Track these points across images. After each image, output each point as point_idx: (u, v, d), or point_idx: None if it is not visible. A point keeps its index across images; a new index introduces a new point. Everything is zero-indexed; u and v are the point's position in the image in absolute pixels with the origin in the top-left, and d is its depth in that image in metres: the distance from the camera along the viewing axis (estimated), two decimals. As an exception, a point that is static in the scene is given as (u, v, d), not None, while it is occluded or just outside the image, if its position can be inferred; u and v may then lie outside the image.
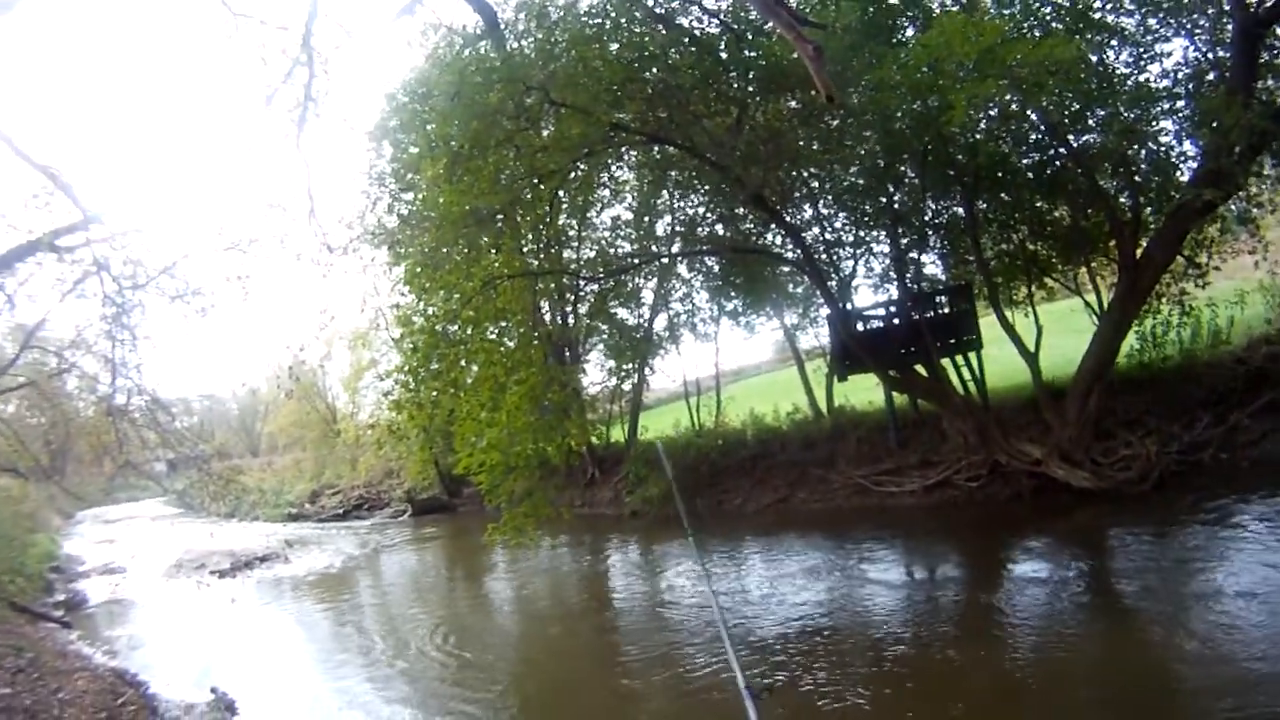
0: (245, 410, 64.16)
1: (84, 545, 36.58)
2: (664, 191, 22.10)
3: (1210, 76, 14.50)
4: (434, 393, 14.96)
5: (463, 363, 15.05)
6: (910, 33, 15.41)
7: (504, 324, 15.24)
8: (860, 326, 19.04)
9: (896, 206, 18.38)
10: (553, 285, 20.16)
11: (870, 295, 21.51)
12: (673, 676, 10.95)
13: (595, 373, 28.52)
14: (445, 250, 14.68)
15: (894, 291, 19.77)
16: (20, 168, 16.16)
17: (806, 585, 14.16)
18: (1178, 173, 15.09)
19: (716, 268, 23.59)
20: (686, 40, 15.64)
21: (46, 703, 10.93)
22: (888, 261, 20.03)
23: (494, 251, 14.64)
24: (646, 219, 23.34)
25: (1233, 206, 15.97)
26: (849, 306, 19.66)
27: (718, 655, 10.88)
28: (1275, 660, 8.01)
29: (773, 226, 20.08)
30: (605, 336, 27.92)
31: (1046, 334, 17.52)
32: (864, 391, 21.58)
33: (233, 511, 41.54)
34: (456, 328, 14.89)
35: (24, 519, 31.96)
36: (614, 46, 14.86)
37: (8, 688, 11.14)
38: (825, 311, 20.22)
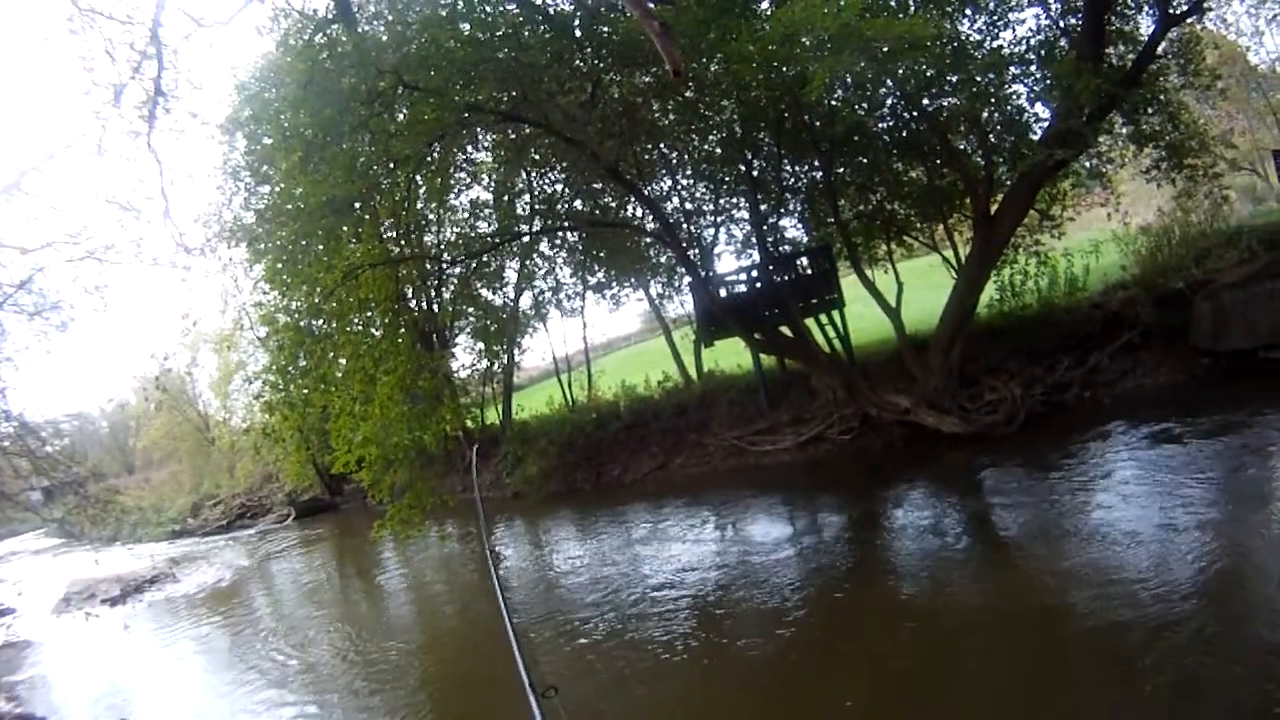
0: (116, 426, 61.41)
1: (-40, 588, 34.35)
2: (522, 170, 21.86)
3: (1061, 44, 14.93)
4: (304, 391, 14.62)
5: (330, 357, 14.72)
6: (764, 4, 15.36)
7: (369, 314, 14.90)
8: (723, 292, 19.12)
9: (755, 173, 18.51)
10: (415, 271, 19.84)
11: (733, 261, 21.77)
12: (575, 649, 11.05)
13: (465, 356, 28.15)
14: (304, 243, 14.20)
15: (755, 256, 19.93)
16: None
17: (688, 550, 14.31)
18: (1029, 133, 15.48)
19: (579, 243, 23.62)
20: (539, 18, 15.32)
21: None
22: (748, 227, 20.24)
23: (354, 241, 14.25)
24: (506, 199, 23.02)
25: (1086, 163, 16.64)
26: (711, 273, 19.82)
27: (607, 625, 11.41)
28: (1135, 572, 8.61)
29: (632, 199, 20.13)
30: (472, 319, 27.59)
31: (907, 290, 18.10)
32: (732, 356, 21.89)
33: (115, 535, 39.64)
34: (321, 322, 14.57)
35: None
36: (465, 26, 14.55)
37: None
38: (689, 280, 20.27)
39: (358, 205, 13.88)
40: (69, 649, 19.59)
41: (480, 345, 27.50)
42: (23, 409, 19.01)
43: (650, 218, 19.31)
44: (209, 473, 41.97)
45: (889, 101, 16.40)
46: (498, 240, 21.78)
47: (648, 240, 21.64)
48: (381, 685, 11.77)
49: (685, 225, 20.18)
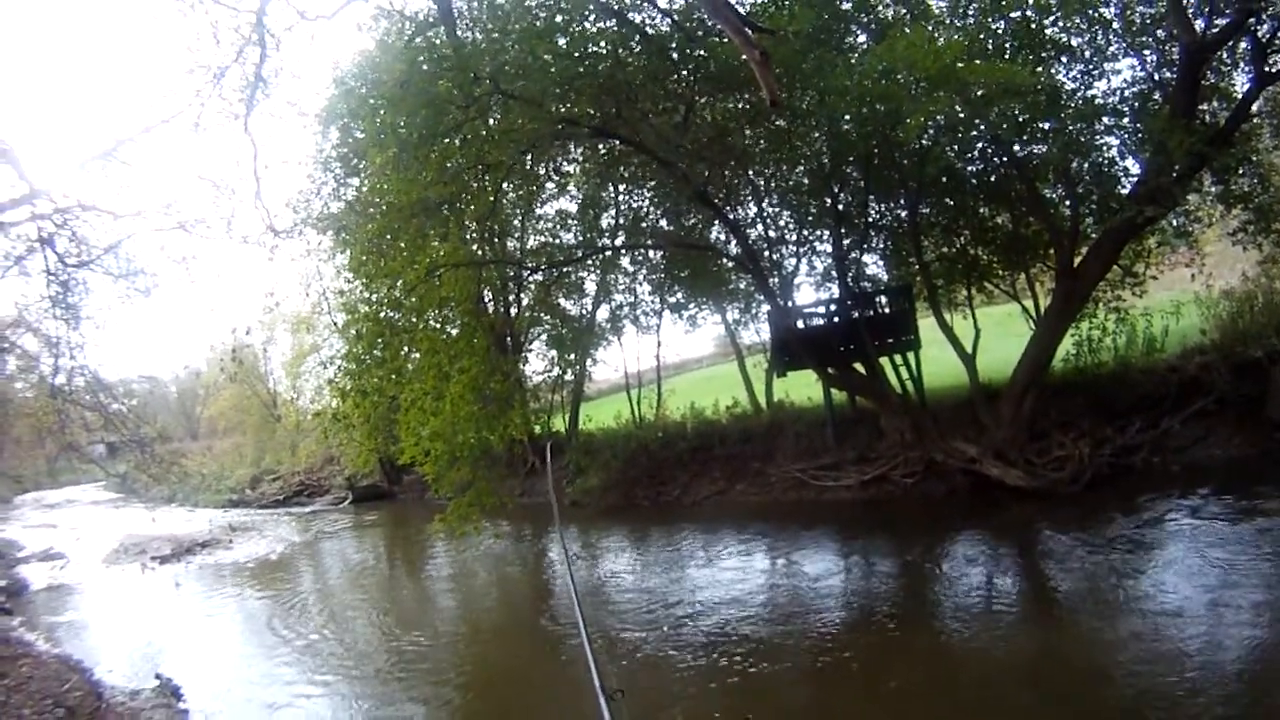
0: (185, 393, 62.83)
1: (23, 530, 35.59)
2: (610, 185, 22.01)
3: (1155, 96, 14.67)
4: (377, 380, 14.83)
5: (406, 350, 14.94)
6: (861, 39, 15.46)
7: (448, 313, 15.13)
8: (801, 324, 19.19)
9: (840, 207, 18.45)
10: (496, 276, 20.02)
11: (812, 293, 21.79)
12: (614, 662, 10.97)
13: (537, 363, 28.34)
14: (390, 238, 14.48)
15: (835, 290, 19.88)
16: None
17: (742, 577, 14.31)
18: (1118, 186, 15.22)
19: (660, 262, 23.60)
20: (637, 37, 15.40)
21: None
22: (830, 260, 20.10)
23: (439, 241, 14.51)
24: (592, 212, 23.08)
25: (1172, 220, 16.25)
26: (790, 304, 19.82)
27: (662, 642, 11.39)
28: (1178, 646, 8.59)
29: (717, 223, 20.15)
30: (548, 327, 27.75)
31: (984, 337, 17.85)
32: (803, 388, 21.72)
33: (173, 496, 40.70)
34: (400, 316, 14.78)
35: None
36: (563, 40, 14.72)
37: None
38: (766, 308, 20.26)
39: (446, 207, 14.02)
40: (115, 600, 20.18)
41: (554, 353, 27.59)
42: (98, 365, 19.36)
43: (734, 243, 19.25)
44: (271, 448, 43.04)
45: (980, 145, 16.24)
46: (580, 253, 21.96)
47: (729, 265, 21.58)
48: (410, 674, 11.98)
49: (768, 253, 20.14)
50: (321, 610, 16.92)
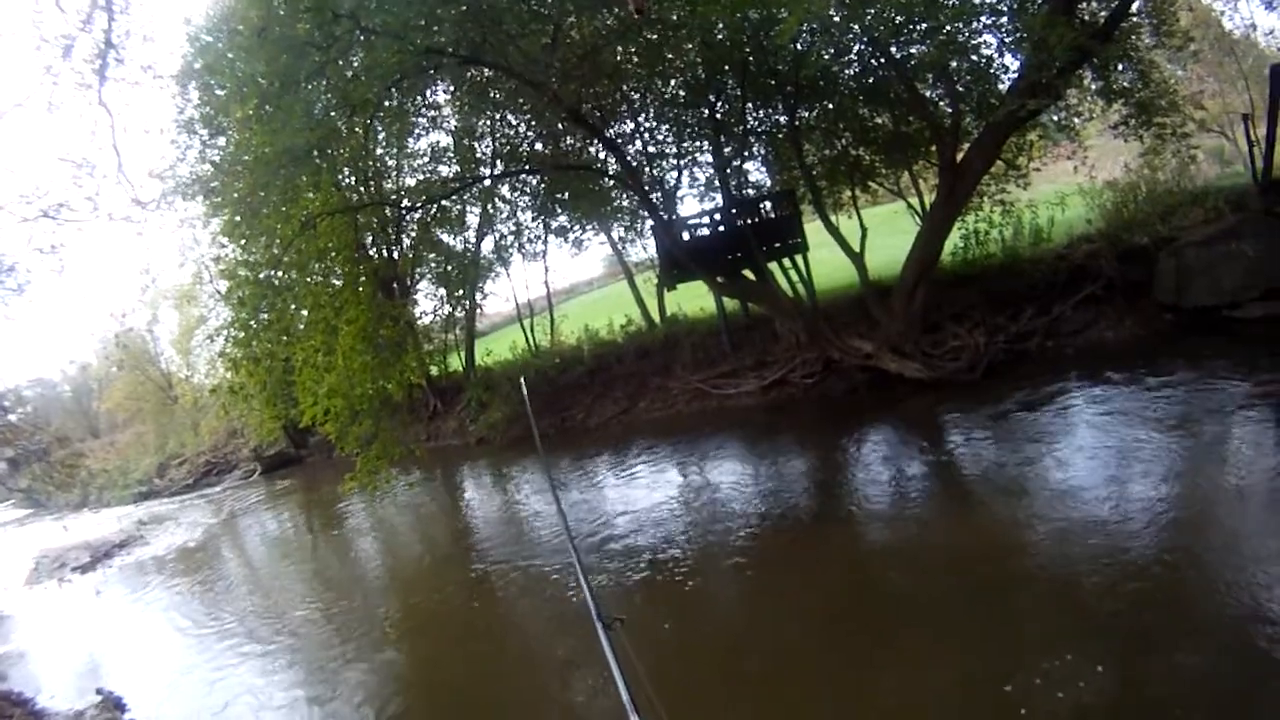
0: (79, 390, 60.77)
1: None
2: (483, 114, 21.84)
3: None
4: (267, 344, 14.68)
5: (292, 309, 14.80)
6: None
7: (329, 264, 14.94)
8: (687, 236, 19.17)
9: (719, 117, 18.58)
10: (375, 219, 19.82)
11: (696, 205, 22.06)
12: (540, 602, 11.49)
13: (426, 303, 28.52)
14: (262, 194, 14.23)
15: (720, 200, 19.99)
16: None
17: (654, 495, 14.57)
18: (997, 83, 15.67)
19: (541, 186, 23.50)
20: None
21: None
22: (712, 171, 20.28)
23: (312, 191, 14.33)
24: (466, 142, 22.97)
25: (1054, 115, 16.70)
26: (675, 217, 19.82)
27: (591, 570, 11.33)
28: (1084, 517, 9.06)
29: (595, 142, 20.03)
30: (433, 266, 27.71)
31: (872, 236, 18.27)
32: (695, 300, 22.02)
33: (83, 501, 39.67)
34: (281, 274, 14.60)
35: None
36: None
37: None
38: (652, 224, 20.31)
39: (315, 154, 13.82)
40: (42, 620, 19.71)
41: (442, 291, 27.54)
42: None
43: (613, 161, 19.20)
44: (173, 431, 41.96)
45: (856, 48, 16.44)
46: (458, 185, 21.71)
47: (610, 183, 21.58)
48: (348, 638, 12.06)
49: (648, 168, 20.24)
50: (250, 590, 16.83)
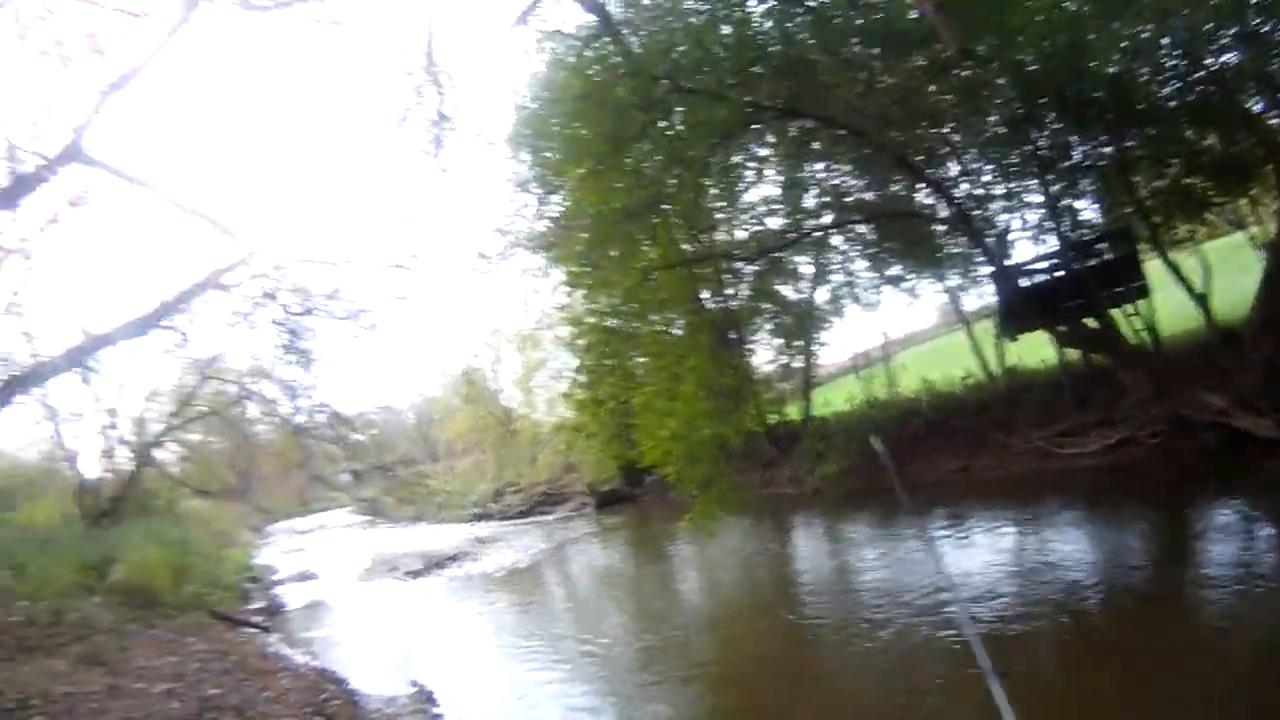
0: (422, 419, 67.40)
1: (277, 555, 39.25)
2: (806, 165, 22.52)
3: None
4: (609, 386, 15.65)
5: (633, 356, 15.74)
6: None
7: (669, 314, 15.84)
8: (1023, 282, 18.82)
9: (1041, 152, 18.48)
10: (711, 271, 20.54)
11: (1029, 249, 21.12)
12: (869, 657, 11.13)
13: (763, 353, 29.58)
14: (601, 248, 15.36)
15: (1053, 243, 19.77)
16: (177, 215, 17.63)
17: (994, 562, 14.13)
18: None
19: (871, 235, 23.81)
20: (800, 12, 16.02)
21: (253, 700, 11.77)
22: (1042, 212, 20.04)
23: (649, 245, 15.27)
24: (794, 193, 23.78)
25: None
26: (1008, 262, 19.57)
27: (938, 634, 10.99)
28: None
29: (922, 187, 20.46)
30: (769, 316, 28.44)
31: (1213, 273, 17.50)
32: (1035, 350, 21.23)
33: (419, 515, 43.90)
34: (623, 322, 15.61)
35: (217, 535, 35.17)
36: (727, 29, 15.28)
37: (216, 688, 12.00)
38: (986, 270, 20.46)
39: (649, 211, 14.79)
40: (368, 614, 22.16)
41: (779, 341, 28.22)
42: (336, 401, 21.35)
43: (942, 205, 19.54)
44: (510, 462, 46.59)
45: (1171, 64, 15.60)
46: (789, 237, 22.42)
47: (941, 229, 21.57)
48: (660, 670, 12.56)
49: (977, 211, 20.02)
50: (567, 612, 18.69)
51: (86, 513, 26.39)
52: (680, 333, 15.69)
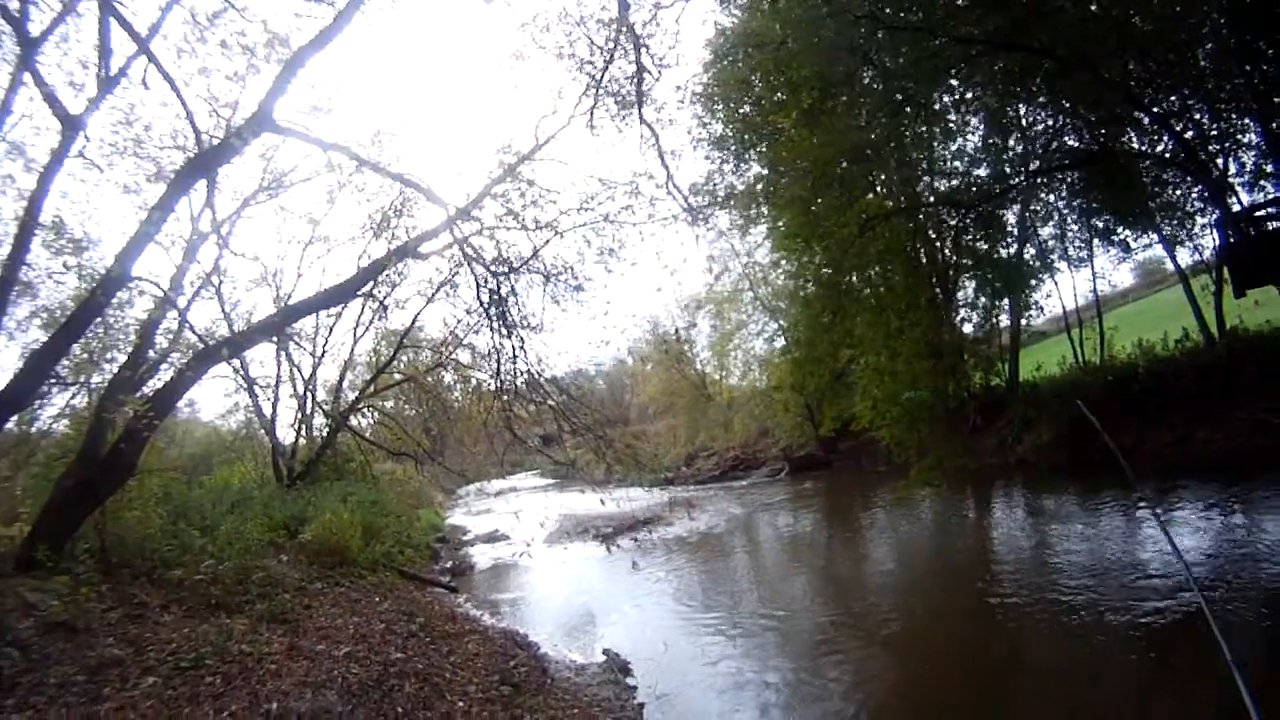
0: (613, 384, 68.18)
1: (468, 517, 40.44)
2: (1014, 107, 21.21)
3: None
4: (829, 346, 15.21)
5: (853, 312, 15.28)
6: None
7: (887, 268, 15.34)
8: (1253, 231, 17.16)
9: (1259, 85, 16.56)
10: (909, 224, 19.84)
11: (1244, 196, 19.42)
12: (1067, 641, 10.86)
13: (967, 312, 27.87)
14: (817, 196, 14.86)
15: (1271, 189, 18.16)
16: (377, 180, 17.98)
17: (1222, 541, 13.39)
18: None
19: (1079, 183, 22.28)
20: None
21: (439, 666, 11.90)
22: (1257, 155, 18.41)
23: (870, 193, 14.73)
24: (1003, 137, 22.41)
25: None
26: (1239, 207, 18.08)
27: (1089, 617, 10.95)
28: None
29: (1137, 124, 18.98)
30: (974, 273, 27.25)
31: None
32: (1260, 310, 19.81)
33: (610, 478, 44.10)
34: (842, 276, 15.14)
35: (409, 497, 36.17)
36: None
37: (401, 653, 12.12)
38: (1209, 219, 19.19)
39: (869, 152, 14.23)
40: (557, 576, 22.30)
41: (983, 301, 27.06)
42: (537, 365, 21.55)
43: (1160, 144, 18.05)
44: (704, 426, 47.01)
45: None
46: (999, 187, 21.17)
47: (1153, 175, 20.24)
48: (839, 647, 12.34)
49: (1199, 154, 18.55)
50: (755, 580, 18.34)
51: (280, 475, 27.57)
52: (899, 288, 15.18)
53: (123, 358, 13.89)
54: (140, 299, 16.06)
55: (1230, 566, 12.05)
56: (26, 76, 12.56)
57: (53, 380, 14.65)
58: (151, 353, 15.51)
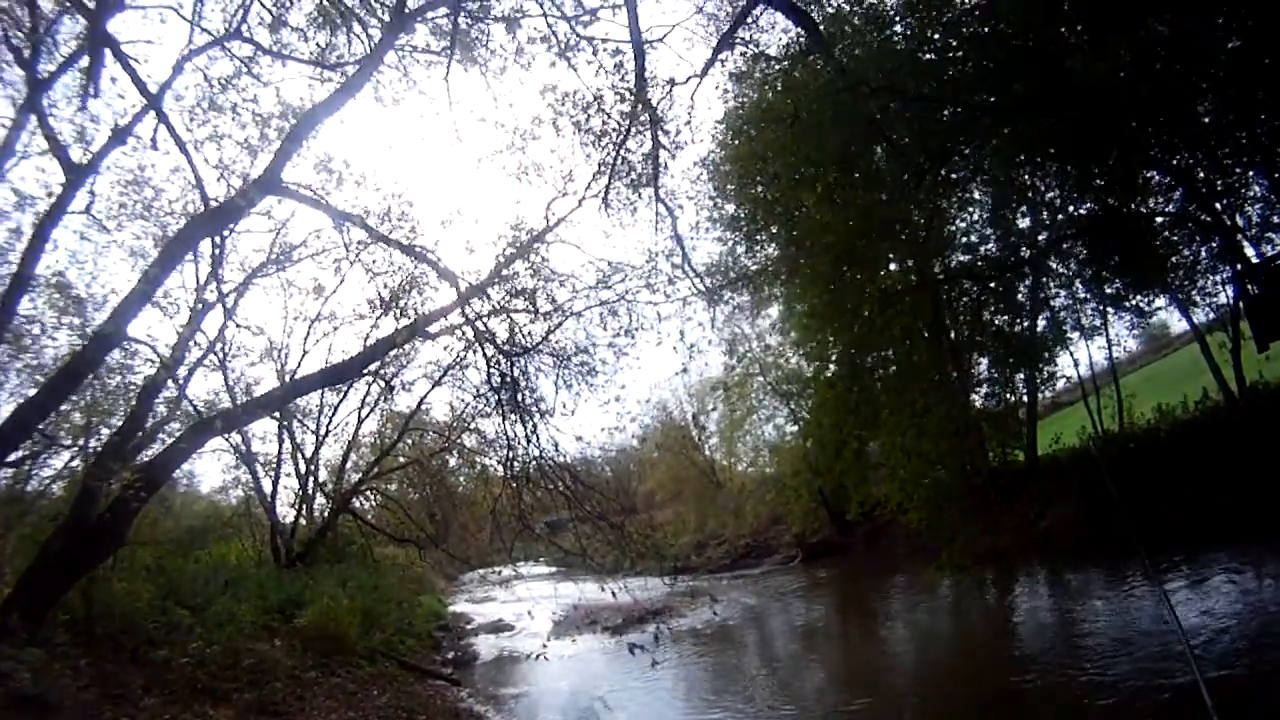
0: (619, 470, 67.46)
1: (471, 605, 39.51)
2: (1020, 178, 20.13)
3: None
4: (852, 424, 14.86)
5: (878, 391, 14.94)
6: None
7: (910, 345, 15.02)
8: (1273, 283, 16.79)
9: (1263, 138, 16.32)
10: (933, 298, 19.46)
11: (1249, 250, 18.84)
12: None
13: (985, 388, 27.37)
14: (838, 273, 14.55)
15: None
16: (386, 256, 17.51)
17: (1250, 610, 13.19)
18: None
19: (1084, 250, 21.11)
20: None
21: None
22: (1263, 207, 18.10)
23: (891, 266, 14.49)
24: (1005, 213, 21.50)
25: None
26: (1257, 259, 17.74)
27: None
28: None
29: (1139, 190, 18.20)
30: (987, 348, 26.76)
31: None
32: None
33: (618, 567, 43.27)
34: (867, 356, 14.77)
35: (411, 582, 35.72)
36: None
37: None
38: (1225, 273, 18.77)
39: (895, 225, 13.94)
40: (564, 669, 21.16)
41: (996, 375, 26.54)
42: (548, 449, 21.00)
43: (1176, 200, 18.04)
44: (714, 514, 46.08)
45: None
46: (1011, 260, 20.72)
47: (1164, 235, 19.44)
48: None
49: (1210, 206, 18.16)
50: (771, 674, 17.89)
51: (279, 555, 27.13)
52: (922, 364, 14.80)
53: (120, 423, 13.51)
54: (144, 366, 15.79)
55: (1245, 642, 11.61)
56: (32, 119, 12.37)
57: (49, 441, 14.29)
58: (151, 420, 15.14)
